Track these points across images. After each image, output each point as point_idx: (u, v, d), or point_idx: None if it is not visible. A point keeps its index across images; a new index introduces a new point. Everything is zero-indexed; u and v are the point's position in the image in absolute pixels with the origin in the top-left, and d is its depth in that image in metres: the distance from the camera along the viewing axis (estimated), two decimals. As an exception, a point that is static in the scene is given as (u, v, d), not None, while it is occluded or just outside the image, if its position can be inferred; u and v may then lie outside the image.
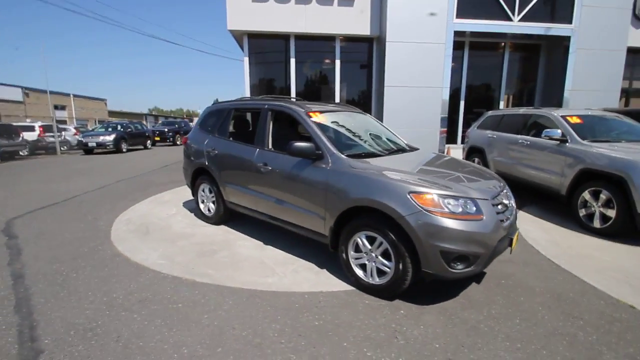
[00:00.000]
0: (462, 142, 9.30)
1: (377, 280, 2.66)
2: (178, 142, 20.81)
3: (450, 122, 8.94)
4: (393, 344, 2.10)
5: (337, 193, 2.78)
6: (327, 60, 9.15)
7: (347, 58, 9.10)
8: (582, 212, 4.34)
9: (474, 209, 2.38)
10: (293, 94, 8.99)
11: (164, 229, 4.22)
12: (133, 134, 16.61)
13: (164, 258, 3.36)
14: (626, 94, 9.61)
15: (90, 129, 22.53)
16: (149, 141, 18.12)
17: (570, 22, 8.22)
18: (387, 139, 3.77)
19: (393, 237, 2.45)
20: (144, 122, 26.71)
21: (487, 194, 2.55)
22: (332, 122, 3.44)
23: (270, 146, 3.54)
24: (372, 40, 8.88)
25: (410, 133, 7.81)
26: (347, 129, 3.52)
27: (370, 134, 3.69)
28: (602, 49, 8.36)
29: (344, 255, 2.83)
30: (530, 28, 8.24)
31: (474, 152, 6.90)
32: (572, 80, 8.47)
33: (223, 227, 4.29)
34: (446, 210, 2.33)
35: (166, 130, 21.43)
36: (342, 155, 2.91)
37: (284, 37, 8.76)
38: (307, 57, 9.15)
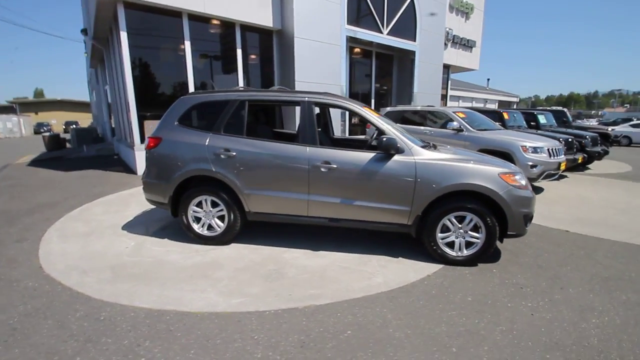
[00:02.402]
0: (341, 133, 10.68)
1: (465, 253, 3.12)
2: None
3: (339, 116, 10.07)
4: (527, 293, 2.67)
5: (429, 182, 3.02)
6: (227, 48, 8.29)
7: (249, 48, 8.55)
8: (481, 180, 6.22)
9: (525, 181, 3.22)
10: (190, 83, 7.69)
11: (162, 266, 3.08)
12: None
13: (232, 296, 2.58)
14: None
15: None
16: None
17: (415, 41, 10.91)
18: None
19: (487, 212, 2.97)
20: None
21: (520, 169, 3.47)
22: (381, 115, 3.53)
23: (319, 142, 3.26)
24: (272, 32, 8.71)
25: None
26: (389, 123, 3.68)
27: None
28: (431, 63, 11.59)
29: (429, 238, 3.12)
30: (394, 41, 10.37)
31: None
32: (417, 85, 11.32)
33: (237, 246, 3.54)
34: (519, 183, 3.06)
35: None
36: (421, 148, 3.15)
37: (175, 15, 7.29)
38: (204, 43, 7.97)
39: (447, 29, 12.53)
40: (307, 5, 8.21)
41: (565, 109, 12.20)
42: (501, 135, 6.22)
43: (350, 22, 9.19)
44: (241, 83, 8.46)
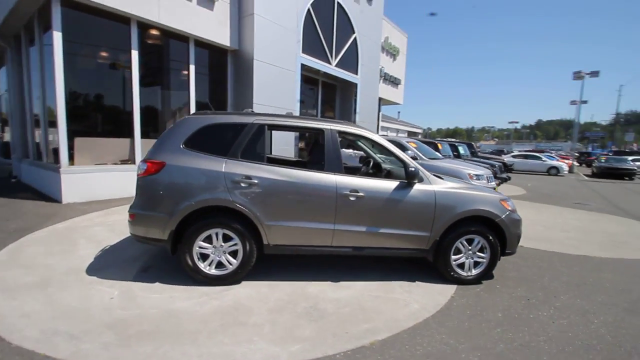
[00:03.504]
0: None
1: (473, 272, 3.46)
2: None
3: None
4: (535, 304, 3.09)
5: (447, 209, 3.29)
6: (173, 72, 7.63)
7: (202, 66, 8.01)
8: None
9: (514, 206, 3.76)
10: (136, 97, 6.78)
11: (176, 317, 2.58)
12: None
13: (287, 343, 2.32)
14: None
15: None
16: None
17: (357, 74, 11.84)
18: None
19: (492, 233, 3.37)
20: None
21: None
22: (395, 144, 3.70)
23: (343, 171, 3.26)
24: (227, 52, 8.39)
25: (275, 150, 8.35)
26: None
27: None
28: (370, 95, 12.69)
29: (445, 261, 3.37)
30: (341, 72, 11.07)
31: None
32: (359, 114, 12.20)
33: (250, 284, 3.20)
34: (512, 208, 3.57)
35: None
36: (436, 177, 3.43)
37: (122, 21, 6.45)
38: (153, 56, 7.17)
39: (380, 67, 14.01)
40: (266, 30, 8.23)
41: (473, 143, 14.65)
42: (449, 164, 7.14)
43: (304, 50, 9.52)
44: (193, 101, 7.84)
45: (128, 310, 2.63)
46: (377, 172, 4.24)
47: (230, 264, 3.12)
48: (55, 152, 6.77)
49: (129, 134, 6.89)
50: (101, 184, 6.36)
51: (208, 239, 3.07)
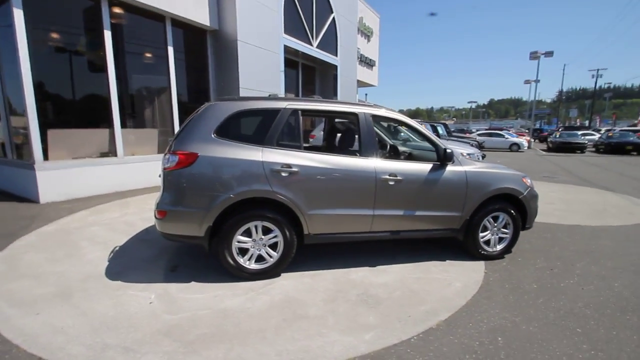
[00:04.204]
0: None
1: (497, 248, 3.63)
2: None
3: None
4: (559, 273, 3.32)
5: (478, 188, 3.39)
6: (150, 55, 6.96)
7: (181, 47, 7.38)
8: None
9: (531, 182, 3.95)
10: (112, 81, 6.12)
11: (233, 317, 2.45)
12: None
13: (358, 332, 2.30)
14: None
15: None
16: None
17: (337, 55, 11.62)
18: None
19: (516, 210, 3.54)
20: None
21: None
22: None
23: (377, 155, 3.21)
24: (206, 32, 7.79)
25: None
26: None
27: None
28: (349, 77, 12.56)
29: (474, 239, 3.50)
30: (322, 54, 10.79)
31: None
32: (339, 97, 12.08)
33: (291, 275, 3.12)
34: (531, 185, 3.75)
35: None
36: (463, 157, 3.49)
37: (92, -3, 5.71)
38: (128, 37, 6.46)
39: (357, 48, 13.87)
40: (248, 9, 7.73)
41: (446, 123, 15.20)
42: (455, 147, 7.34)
43: (286, 31, 9.12)
44: (174, 86, 7.25)
45: (176, 314, 2.44)
46: (396, 155, 4.24)
47: (271, 257, 3.00)
48: (19, 147, 6.04)
49: (108, 124, 6.26)
50: (82, 180, 5.77)
51: (246, 233, 2.91)
